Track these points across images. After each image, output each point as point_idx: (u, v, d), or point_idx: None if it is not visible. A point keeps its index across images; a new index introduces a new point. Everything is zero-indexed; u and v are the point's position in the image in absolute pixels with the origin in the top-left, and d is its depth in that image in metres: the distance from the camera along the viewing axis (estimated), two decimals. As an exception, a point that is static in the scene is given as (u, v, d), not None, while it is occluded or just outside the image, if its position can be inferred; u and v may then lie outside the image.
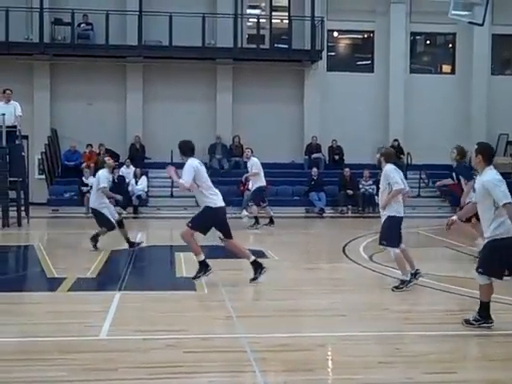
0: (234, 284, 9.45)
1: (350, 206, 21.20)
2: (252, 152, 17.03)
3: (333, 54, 25.01)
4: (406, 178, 24.05)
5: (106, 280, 9.68)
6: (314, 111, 23.89)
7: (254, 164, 16.51)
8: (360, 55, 25.60)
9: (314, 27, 23.27)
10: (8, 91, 16.58)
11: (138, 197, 20.55)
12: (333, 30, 24.69)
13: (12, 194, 16.39)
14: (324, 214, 20.62)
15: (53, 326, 7.06)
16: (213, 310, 7.85)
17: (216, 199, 9.10)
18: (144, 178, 21.15)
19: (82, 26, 22.78)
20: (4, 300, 8.36)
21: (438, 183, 13.97)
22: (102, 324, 6.96)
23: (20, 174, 16.81)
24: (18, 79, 21.34)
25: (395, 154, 9.98)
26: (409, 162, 23.82)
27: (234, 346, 6.37)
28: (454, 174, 11.81)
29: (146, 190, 20.98)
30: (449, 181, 12.28)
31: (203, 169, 9.42)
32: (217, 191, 9.27)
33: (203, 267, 9.07)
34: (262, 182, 16.56)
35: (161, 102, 23.24)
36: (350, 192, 21.16)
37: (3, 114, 15.98)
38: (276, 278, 9.97)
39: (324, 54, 23.85)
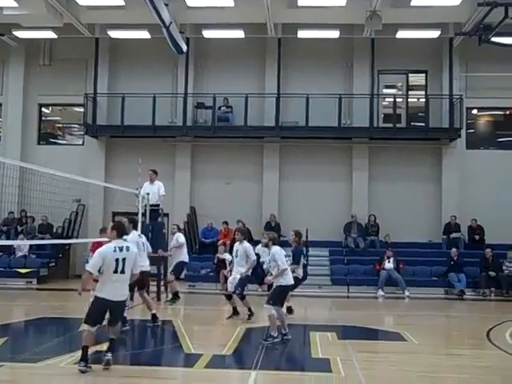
0: (371, 367, 9.12)
1: (492, 289, 20.06)
2: (178, 228, 17.91)
3: (472, 131, 24.40)
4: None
5: (241, 358, 9.66)
6: (452, 190, 23.23)
7: (179, 237, 17.14)
8: (501, 132, 24.77)
9: (453, 105, 22.91)
10: (151, 172, 17.42)
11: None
12: (472, 108, 24.18)
13: (153, 270, 16.95)
14: (464, 296, 19.66)
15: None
16: (350, 393, 7.58)
17: None
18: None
19: (223, 109, 23.78)
20: (144, 374, 8.54)
21: None
22: (238, 403, 6.91)
23: (161, 249, 17.42)
24: (161, 159, 22.48)
25: None
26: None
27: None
28: None
29: (280, 267, 21.01)
30: None
31: None
32: None
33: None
34: (185, 256, 17.23)
35: (296, 180, 23.54)
36: (492, 273, 20.09)
37: (148, 194, 16.78)
38: (415, 362, 9.56)
39: (463, 131, 23.32)
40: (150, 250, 13.73)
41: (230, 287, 13.67)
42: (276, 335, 10.44)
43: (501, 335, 11.97)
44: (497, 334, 12.09)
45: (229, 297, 13.81)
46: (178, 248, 17.08)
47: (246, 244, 13.82)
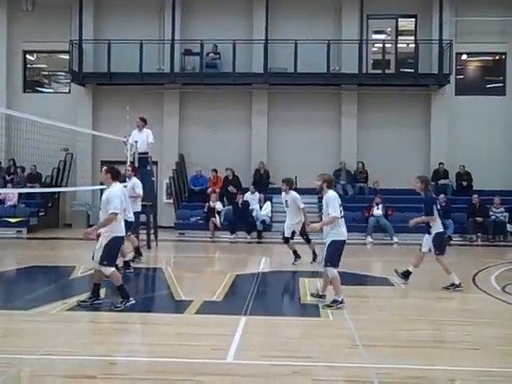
0: (359, 312, 9.27)
1: (479, 234, 20.30)
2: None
3: (461, 77, 24.27)
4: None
5: (231, 304, 9.78)
6: (441, 136, 23.25)
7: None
8: (491, 78, 24.67)
9: (442, 50, 22.73)
10: (139, 120, 17.25)
11: (262, 222, 20.75)
12: (461, 53, 24.01)
13: (142, 218, 16.99)
14: (451, 242, 19.87)
15: (181, 347, 7.19)
16: (338, 337, 7.71)
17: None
18: (268, 203, 21.35)
19: (211, 55, 23.49)
20: (135, 320, 8.67)
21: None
22: (229, 348, 7.02)
23: (150, 198, 17.40)
24: (149, 107, 22.24)
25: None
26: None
27: (361, 375, 6.23)
28: None
29: (270, 215, 21.16)
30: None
31: None
32: None
33: None
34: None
35: (285, 127, 23.45)
36: (479, 219, 20.30)
37: (136, 142, 16.68)
38: (403, 306, 9.73)
39: (452, 77, 23.20)
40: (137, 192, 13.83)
41: (287, 233, 13.93)
42: (341, 299, 9.24)
43: (486, 279, 12.18)
44: (482, 278, 12.29)
45: (286, 240, 14.06)
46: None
47: (293, 193, 13.87)
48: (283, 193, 14.14)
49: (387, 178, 22.49)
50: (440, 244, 11.12)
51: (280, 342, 7.50)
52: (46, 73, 25.70)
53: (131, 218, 12.27)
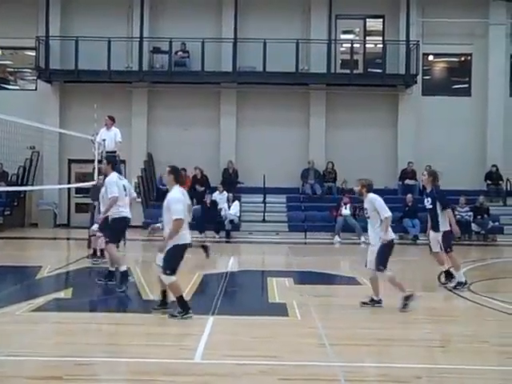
0: (327, 311, 9.34)
1: (445, 234, 20.56)
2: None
3: (428, 77, 24.57)
4: (505, 204, 23.51)
5: (199, 304, 9.75)
6: (408, 136, 23.51)
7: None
8: (457, 79, 25.02)
9: (409, 51, 22.98)
10: (107, 118, 17.14)
11: (231, 221, 20.76)
12: (428, 54, 24.32)
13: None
14: (418, 241, 20.12)
15: (149, 347, 7.16)
16: (306, 336, 7.75)
17: None
18: (237, 202, 21.36)
19: (179, 53, 23.42)
20: (103, 320, 8.63)
21: None
22: (197, 347, 7.01)
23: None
24: (117, 105, 22.07)
25: None
26: (508, 188, 23.05)
27: (328, 374, 6.27)
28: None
29: (238, 214, 21.18)
30: None
31: None
32: None
33: None
34: None
35: (254, 127, 23.49)
36: (445, 219, 20.56)
37: (104, 140, 16.55)
38: (369, 305, 9.80)
39: (419, 78, 23.47)
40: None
41: None
42: (410, 293, 9.19)
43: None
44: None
45: None
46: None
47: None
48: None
49: (355, 177, 22.59)
50: (449, 241, 11.08)
51: (248, 341, 7.52)
52: (12, 69, 25.37)
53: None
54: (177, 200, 8.65)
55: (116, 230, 10.62)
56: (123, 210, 10.65)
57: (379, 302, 9.47)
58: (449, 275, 11.41)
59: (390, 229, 9.44)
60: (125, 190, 10.78)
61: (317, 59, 23.11)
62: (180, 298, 8.56)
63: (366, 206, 9.55)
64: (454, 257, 11.11)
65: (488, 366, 6.66)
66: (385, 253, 9.34)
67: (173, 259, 8.58)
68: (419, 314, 9.24)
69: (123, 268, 10.66)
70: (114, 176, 10.69)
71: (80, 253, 13.23)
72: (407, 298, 9.16)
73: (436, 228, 11.15)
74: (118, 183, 10.62)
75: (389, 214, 9.29)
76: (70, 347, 7.11)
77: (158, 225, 9.81)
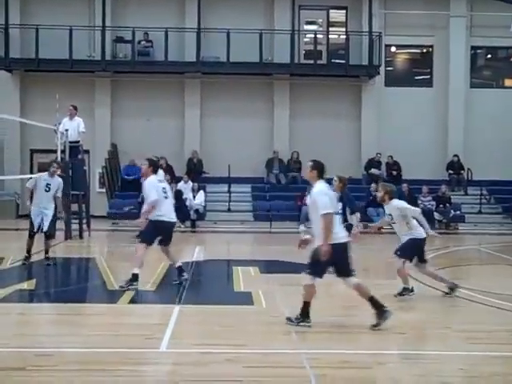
0: (292, 299, 9.39)
1: (408, 222, 20.82)
2: None
3: (390, 68, 24.82)
4: (466, 194, 23.85)
5: (165, 293, 9.77)
6: (371, 126, 23.73)
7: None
8: (418, 70, 25.33)
9: (372, 42, 23.17)
10: (72, 107, 17.00)
11: (196, 211, 20.72)
12: (390, 45, 24.56)
13: (74, 207, 16.75)
14: (382, 230, 20.33)
15: (114, 337, 7.15)
16: (271, 325, 7.81)
17: None
18: (202, 192, 21.33)
19: (142, 43, 23.24)
20: (67, 311, 8.54)
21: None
22: (162, 337, 7.01)
23: (82, 187, 17.20)
24: (80, 95, 21.81)
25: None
26: (469, 177, 23.44)
27: (293, 361, 6.33)
28: None
29: (203, 204, 21.15)
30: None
31: None
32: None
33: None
34: None
35: (218, 117, 23.46)
36: (408, 208, 20.81)
37: (67, 130, 16.38)
38: (334, 294, 9.90)
39: (382, 69, 23.70)
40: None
41: None
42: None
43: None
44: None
45: None
46: None
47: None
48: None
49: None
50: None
51: (213, 330, 7.54)
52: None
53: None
54: (322, 193, 7.72)
55: (150, 231, 10.05)
56: (163, 213, 10.00)
57: (412, 290, 9.56)
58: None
59: (422, 224, 9.58)
60: (165, 192, 10.13)
61: (280, 49, 23.16)
62: (306, 304, 7.74)
63: (388, 212, 9.55)
64: None
65: (450, 351, 6.80)
66: (412, 247, 9.50)
67: (316, 259, 7.72)
68: (384, 301, 9.35)
69: (178, 264, 10.47)
70: (153, 179, 10.09)
71: (42, 244, 13.04)
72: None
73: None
74: (156, 186, 10.00)
75: (418, 210, 9.73)
76: (33, 338, 7.06)
77: (306, 236, 8.37)
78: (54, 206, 12.37)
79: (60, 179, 12.66)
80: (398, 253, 9.55)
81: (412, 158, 23.10)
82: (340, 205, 10.72)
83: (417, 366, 6.28)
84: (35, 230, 12.08)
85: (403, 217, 9.42)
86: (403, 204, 9.63)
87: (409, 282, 9.60)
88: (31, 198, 12.34)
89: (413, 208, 9.75)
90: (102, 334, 7.30)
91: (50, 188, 12.21)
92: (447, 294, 9.51)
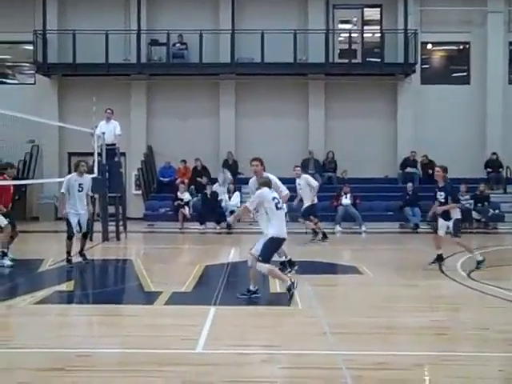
0: (328, 300, 9.37)
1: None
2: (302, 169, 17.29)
3: (427, 66, 24.54)
4: (505, 192, 23.52)
5: (201, 294, 9.79)
6: (407, 125, 23.51)
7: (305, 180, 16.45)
8: (455, 67, 24.99)
9: (407, 40, 22.95)
10: (109, 111, 17.24)
11: (231, 212, 20.71)
12: (426, 43, 24.27)
13: (111, 209, 16.94)
14: (419, 230, 20.15)
15: (151, 338, 7.20)
16: (307, 325, 7.78)
17: None
18: (237, 193, 21.36)
19: (177, 45, 23.39)
20: (105, 312, 8.63)
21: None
22: (198, 338, 7.04)
23: (118, 189, 17.38)
24: (116, 98, 22.08)
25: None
26: (508, 175, 23.06)
27: (329, 362, 6.29)
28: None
29: (238, 205, 21.14)
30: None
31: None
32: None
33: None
34: (312, 199, 16.52)
35: (253, 117, 23.49)
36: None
37: (103, 133, 16.57)
38: (371, 294, 9.84)
39: (418, 66, 23.45)
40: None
41: None
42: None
43: (452, 266, 12.35)
44: (448, 264, 12.46)
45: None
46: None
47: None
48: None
49: (355, 167, 22.70)
50: (459, 228, 12.04)
51: (249, 331, 7.55)
52: (10, 64, 25.33)
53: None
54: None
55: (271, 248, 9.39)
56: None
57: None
58: (440, 259, 12.27)
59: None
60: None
61: (315, 49, 23.08)
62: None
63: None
64: (461, 242, 12.08)
65: (489, 353, 6.69)
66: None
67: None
68: (421, 302, 9.26)
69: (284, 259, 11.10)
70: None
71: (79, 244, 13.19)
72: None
73: (447, 217, 12.08)
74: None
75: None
76: (72, 339, 7.15)
77: None
78: (87, 205, 12.57)
79: (89, 177, 12.93)
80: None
81: (449, 157, 22.68)
82: (443, 194, 12.20)
83: (455, 367, 6.18)
84: (74, 231, 12.27)
85: None
86: None
87: None
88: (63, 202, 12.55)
89: None
90: (139, 335, 7.36)
91: (82, 188, 12.47)
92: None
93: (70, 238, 12.28)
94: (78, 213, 12.35)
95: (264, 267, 9.14)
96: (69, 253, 12.23)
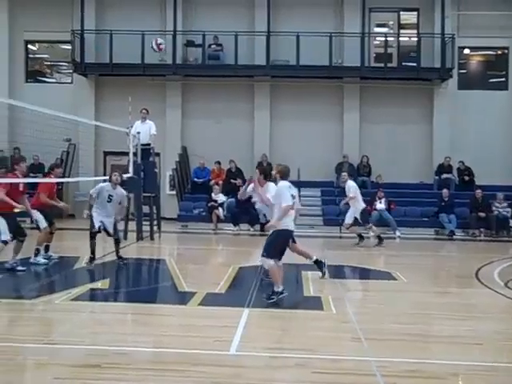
0: (362, 305, 9.31)
1: (482, 229, 20.25)
2: (349, 176, 17.39)
3: (464, 71, 24.26)
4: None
5: (234, 296, 9.80)
6: (443, 130, 23.26)
7: (351, 187, 16.57)
8: (493, 72, 24.66)
9: (444, 44, 22.72)
10: (144, 111, 17.37)
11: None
12: (464, 47, 24.01)
13: (145, 209, 17.06)
14: (454, 237, 19.92)
15: (184, 338, 7.23)
16: (341, 330, 7.74)
17: None
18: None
19: (213, 47, 23.48)
20: (139, 311, 8.70)
21: None
22: (232, 339, 7.05)
23: (153, 189, 17.50)
24: (151, 99, 22.24)
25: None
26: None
27: (362, 369, 6.25)
28: None
29: (271, 207, 21.11)
30: None
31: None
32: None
33: None
34: (360, 204, 16.67)
35: (288, 120, 23.47)
36: (482, 214, 20.27)
37: (139, 133, 16.71)
38: (405, 300, 9.76)
39: (455, 71, 23.21)
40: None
41: None
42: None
43: (489, 274, 12.17)
44: (485, 273, 12.30)
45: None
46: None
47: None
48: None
49: (390, 172, 22.54)
50: None
51: (282, 334, 7.54)
52: (49, 63, 25.71)
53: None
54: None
55: (276, 242, 9.40)
56: (288, 220, 9.48)
57: None
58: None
59: None
60: (293, 198, 9.62)
61: (350, 52, 22.97)
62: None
63: None
64: None
65: (527, 363, 6.58)
66: None
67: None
68: (455, 311, 9.15)
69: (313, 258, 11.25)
70: (285, 183, 9.70)
71: (113, 246, 13.30)
72: None
73: None
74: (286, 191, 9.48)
75: None
76: (107, 336, 7.21)
77: None
78: (114, 213, 12.65)
79: (124, 192, 12.91)
80: None
81: (486, 163, 22.51)
82: None
83: (492, 378, 6.09)
84: (96, 230, 12.37)
85: None
86: None
87: None
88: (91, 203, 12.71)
89: None
90: (173, 334, 7.40)
91: (111, 199, 12.49)
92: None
93: (92, 237, 12.35)
94: (101, 215, 12.45)
95: (267, 263, 9.19)
96: (93, 252, 12.30)
